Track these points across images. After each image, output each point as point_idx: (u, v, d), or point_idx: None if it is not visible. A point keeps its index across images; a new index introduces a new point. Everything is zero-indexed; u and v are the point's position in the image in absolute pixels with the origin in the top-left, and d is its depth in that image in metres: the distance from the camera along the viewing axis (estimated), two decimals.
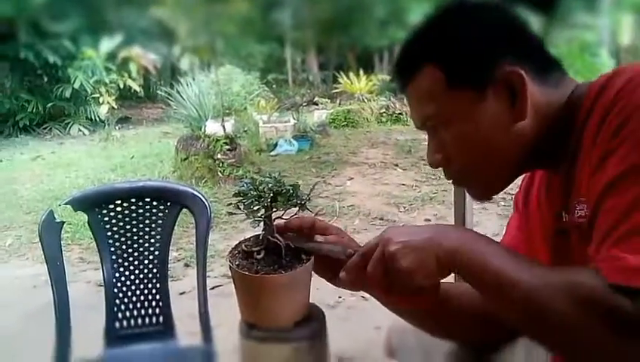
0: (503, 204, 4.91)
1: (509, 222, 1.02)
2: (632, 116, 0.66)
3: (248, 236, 0.95)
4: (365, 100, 10.48)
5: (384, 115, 9.95)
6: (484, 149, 0.81)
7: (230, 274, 0.90)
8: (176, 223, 1.82)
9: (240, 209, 0.88)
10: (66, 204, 1.68)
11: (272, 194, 0.89)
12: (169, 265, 2.14)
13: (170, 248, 1.82)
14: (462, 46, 0.79)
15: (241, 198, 0.89)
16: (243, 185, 0.90)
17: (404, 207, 5.15)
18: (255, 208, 0.89)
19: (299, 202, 0.91)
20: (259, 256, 0.89)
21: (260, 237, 0.92)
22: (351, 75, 11.63)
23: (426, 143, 0.87)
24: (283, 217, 0.92)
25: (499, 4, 0.85)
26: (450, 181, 0.89)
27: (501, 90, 0.77)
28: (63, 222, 1.67)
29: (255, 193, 0.89)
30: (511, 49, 0.79)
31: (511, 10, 0.84)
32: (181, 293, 2.93)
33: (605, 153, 0.68)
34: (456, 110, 0.80)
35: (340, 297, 3.11)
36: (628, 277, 0.60)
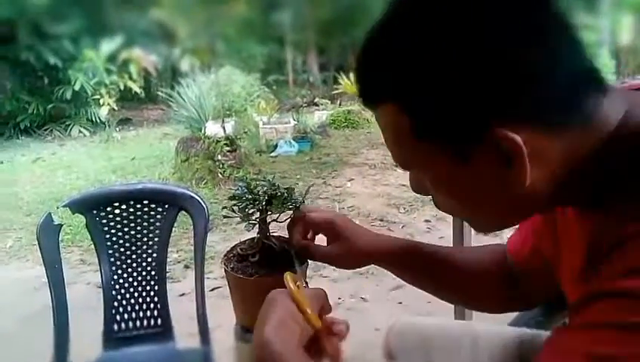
0: None
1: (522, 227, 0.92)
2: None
3: (247, 238, 0.95)
4: None
5: None
6: (478, 207, 0.65)
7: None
8: (176, 225, 1.82)
9: (235, 212, 0.89)
10: (64, 206, 1.68)
11: (266, 198, 0.89)
12: (169, 267, 2.14)
13: (170, 250, 1.82)
14: (432, 89, 0.55)
15: (236, 202, 0.90)
16: (238, 189, 0.91)
17: (405, 208, 5.15)
18: (250, 211, 0.90)
19: (294, 205, 0.92)
20: (253, 259, 0.89)
21: (255, 240, 0.92)
22: (351, 75, 11.62)
23: None
24: (278, 220, 0.93)
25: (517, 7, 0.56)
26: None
27: (490, 151, 0.57)
28: (61, 225, 1.67)
29: (250, 196, 0.89)
30: (513, 97, 0.54)
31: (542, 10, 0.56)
32: (181, 295, 2.94)
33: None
34: (430, 163, 0.62)
35: (339, 298, 3.11)
36: None
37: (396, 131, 0.62)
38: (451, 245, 2.16)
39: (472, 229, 0.76)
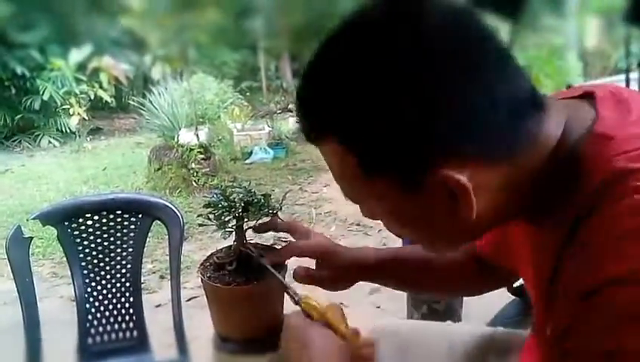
0: None
1: None
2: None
3: (223, 246, 0.94)
4: None
5: None
6: (430, 234, 0.66)
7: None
8: (151, 235, 1.80)
9: (210, 220, 0.88)
10: (34, 218, 1.64)
11: (242, 205, 0.88)
12: (144, 278, 2.10)
13: (145, 260, 1.80)
14: (375, 119, 0.54)
15: (212, 209, 0.88)
16: (213, 196, 0.90)
17: None
18: (226, 219, 0.88)
19: (270, 211, 0.91)
20: (230, 268, 0.88)
21: (232, 248, 0.91)
22: None
23: None
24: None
25: (447, 9, 0.56)
26: None
27: (438, 186, 0.57)
28: (32, 238, 1.63)
29: (226, 203, 0.88)
30: (457, 120, 0.54)
31: (470, 21, 0.57)
32: (157, 306, 2.89)
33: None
34: (380, 196, 0.61)
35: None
36: None
37: (342, 168, 0.61)
38: None
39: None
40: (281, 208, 0.93)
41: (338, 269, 0.95)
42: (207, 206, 0.89)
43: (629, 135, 0.56)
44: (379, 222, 0.70)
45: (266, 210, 0.91)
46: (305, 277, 0.94)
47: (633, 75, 2.38)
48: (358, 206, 0.70)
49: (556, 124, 0.61)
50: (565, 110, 0.62)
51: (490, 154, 0.57)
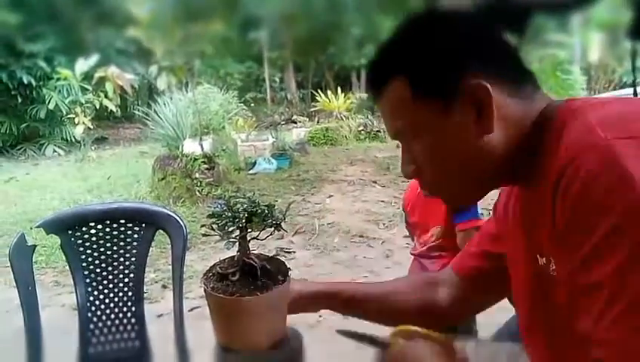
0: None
1: (483, 226, 1.07)
2: (581, 201, 0.66)
3: (226, 256, 0.94)
4: (343, 118, 10.56)
5: (362, 132, 10.03)
6: (452, 161, 0.81)
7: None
8: (153, 244, 1.80)
9: (214, 230, 0.88)
10: (37, 227, 1.64)
11: (246, 215, 0.88)
12: (146, 287, 2.10)
13: (148, 269, 1.79)
14: (427, 59, 0.79)
15: (216, 219, 0.88)
16: (217, 206, 0.90)
17: (384, 224, 5.16)
18: (229, 229, 0.88)
19: (274, 222, 0.91)
20: (234, 278, 0.88)
21: (235, 259, 0.91)
22: (329, 93, 11.71)
23: None
24: (258, 238, 0.92)
25: (470, 14, 0.84)
26: (425, 191, 0.89)
27: (467, 103, 0.76)
28: (35, 246, 1.63)
29: (229, 214, 0.88)
30: (479, 61, 0.78)
31: (487, 22, 0.83)
32: (159, 316, 2.88)
33: (563, 241, 0.69)
34: (424, 123, 0.80)
35: (320, 316, 3.09)
36: None
37: (399, 101, 0.81)
38: None
39: (447, 205, 1.03)
40: (284, 219, 0.92)
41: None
42: (210, 216, 0.89)
43: (592, 104, 0.76)
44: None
45: (270, 220, 0.90)
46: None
47: None
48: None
49: (544, 98, 0.81)
50: (550, 97, 0.83)
51: (510, 81, 0.78)
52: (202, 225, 0.90)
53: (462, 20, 0.82)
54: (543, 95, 0.82)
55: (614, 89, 10.47)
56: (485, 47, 0.79)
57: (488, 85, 0.75)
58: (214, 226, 0.89)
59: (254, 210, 0.89)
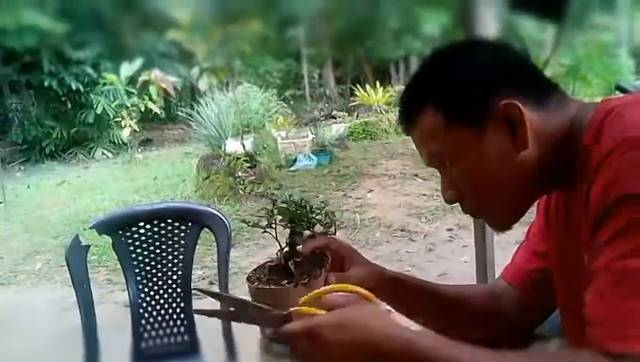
0: None
1: (530, 228, 1.04)
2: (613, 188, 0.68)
3: (270, 253, 0.98)
4: (383, 112, 10.49)
5: None
6: (492, 182, 0.82)
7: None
8: (199, 242, 1.86)
9: (261, 227, 0.92)
10: (90, 228, 1.72)
11: (291, 213, 0.92)
12: (194, 284, 2.16)
13: (195, 266, 1.85)
14: (457, 86, 0.81)
15: (262, 217, 0.93)
16: (261, 208, 0.94)
17: (426, 218, 5.13)
18: (275, 226, 0.93)
19: (319, 221, 0.94)
20: (277, 273, 0.92)
21: (278, 255, 0.95)
22: (367, 87, 11.65)
23: None
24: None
25: (494, 42, 0.91)
26: (468, 214, 0.91)
27: (500, 123, 0.79)
28: (89, 246, 1.72)
29: (275, 211, 0.92)
30: (507, 83, 0.81)
31: (507, 45, 0.88)
32: None
33: (593, 229, 0.71)
34: (459, 147, 0.82)
35: None
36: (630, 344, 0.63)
37: (434, 128, 0.82)
38: (474, 253, 2.16)
39: (493, 230, 0.92)
40: (333, 225, 0.95)
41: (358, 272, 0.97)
42: (257, 214, 0.93)
43: (628, 103, 0.77)
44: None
45: (313, 219, 0.94)
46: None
47: None
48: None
49: (573, 103, 0.83)
50: (578, 100, 0.85)
51: (537, 97, 0.80)
52: (246, 223, 0.94)
53: (488, 48, 0.88)
54: (571, 100, 0.84)
55: None
56: (509, 68, 0.83)
57: (519, 103, 0.77)
58: (260, 224, 0.93)
59: (299, 208, 0.93)
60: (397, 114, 0.90)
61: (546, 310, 1.01)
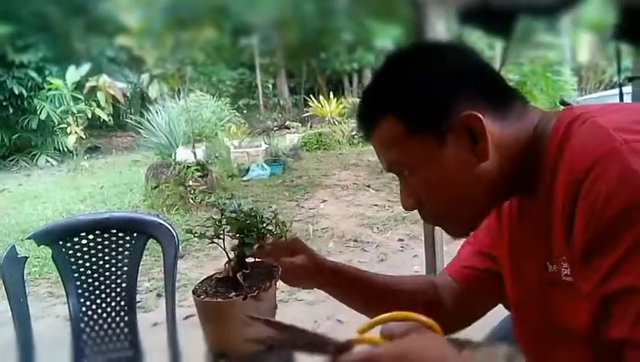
0: None
1: (463, 246, 1.06)
2: (604, 213, 0.66)
3: (220, 264, 0.95)
4: (336, 123, 10.58)
5: (355, 136, 10.05)
6: (452, 192, 0.81)
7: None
8: (147, 253, 1.79)
9: (208, 238, 0.88)
10: (28, 238, 1.63)
11: (240, 222, 0.89)
12: (141, 296, 2.08)
13: (142, 278, 1.79)
14: (416, 95, 0.79)
15: (209, 227, 0.89)
16: (209, 218, 0.91)
17: (378, 228, 5.17)
18: (223, 236, 0.89)
19: (267, 230, 0.92)
20: (225, 285, 0.89)
21: (225, 267, 0.91)
22: (321, 98, 11.74)
23: None
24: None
25: (453, 45, 0.87)
26: (426, 221, 0.89)
27: (461, 134, 0.77)
28: (26, 258, 1.62)
29: (224, 221, 0.89)
30: (467, 91, 0.78)
31: (466, 49, 0.85)
32: (154, 325, 2.87)
33: (589, 248, 0.68)
34: (419, 156, 0.80)
35: (315, 321, 3.08)
36: None
37: (392, 138, 0.81)
38: (424, 262, 2.17)
39: (448, 234, 0.90)
40: (280, 225, 0.93)
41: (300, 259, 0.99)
42: (205, 224, 0.90)
43: (597, 109, 0.76)
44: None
45: (263, 228, 0.91)
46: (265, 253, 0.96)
47: (627, 89, 2.40)
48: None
49: (535, 112, 0.81)
50: (539, 109, 0.83)
51: (498, 106, 0.78)
52: (194, 233, 0.90)
53: (444, 52, 0.84)
54: (532, 108, 0.82)
55: (605, 89, 10.55)
56: (471, 75, 0.80)
57: (480, 114, 0.76)
58: (208, 234, 0.89)
59: (248, 217, 0.90)
60: (356, 119, 0.88)
61: (485, 308, 1.04)
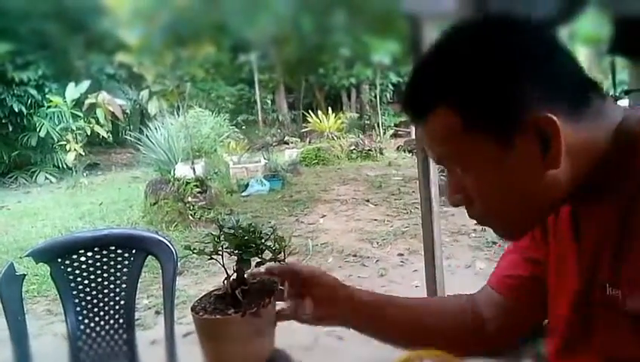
0: (473, 235, 4.96)
1: (504, 255, 0.96)
2: None
3: (219, 281, 0.94)
4: (335, 138, 10.61)
5: (354, 151, 10.08)
6: (510, 198, 0.71)
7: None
8: (146, 270, 1.78)
9: (207, 254, 0.88)
10: (27, 255, 1.63)
11: (239, 239, 0.89)
12: (140, 314, 2.07)
13: (141, 295, 1.78)
14: (481, 89, 0.67)
15: (209, 243, 0.89)
16: (209, 233, 0.90)
17: (377, 243, 5.15)
18: (222, 253, 0.89)
19: (267, 247, 0.91)
20: (223, 302, 0.88)
21: (224, 283, 0.91)
22: (320, 113, 11.78)
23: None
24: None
25: (531, 25, 0.71)
26: (472, 219, 0.79)
27: (530, 137, 0.66)
28: (24, 276, 1.62)
29: (223, 238, 0.89)
30: (541, 85, 0.66)
31: (543, 29, 0.72)
32: (152, 342, 2.85)
33: None
34: (477, 157, 0.70)
35: (314, 338, 3.06)
36: None
37: (448, 131, 0.70)
38: (424, 277, 2.16)
39: (497, 235, 0.80)
40: (279, 242, 0.91)
41: (327, 295, 0.91)
42: (204, 241, 0.89)
43: None
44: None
45: (263, 245, 0.91)
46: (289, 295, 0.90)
47: (622, 103, 2.42)
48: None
49: (616, 110, 0.71)
50: (620, 106, 0.73)
51: (574, 104, 0.67)
52: (193, 250, 0.90)
53: (521, 32, 0.70)
54: (611, 106, 0.71)
55: None
56: (548, 65, 0.67)
57: (555, 117, 0.64)
58: (208, 251, 0.89)
59: (248, 233, 0.90)
60: (401, 101, 0.75)
61: (531, 320, 0.92)
